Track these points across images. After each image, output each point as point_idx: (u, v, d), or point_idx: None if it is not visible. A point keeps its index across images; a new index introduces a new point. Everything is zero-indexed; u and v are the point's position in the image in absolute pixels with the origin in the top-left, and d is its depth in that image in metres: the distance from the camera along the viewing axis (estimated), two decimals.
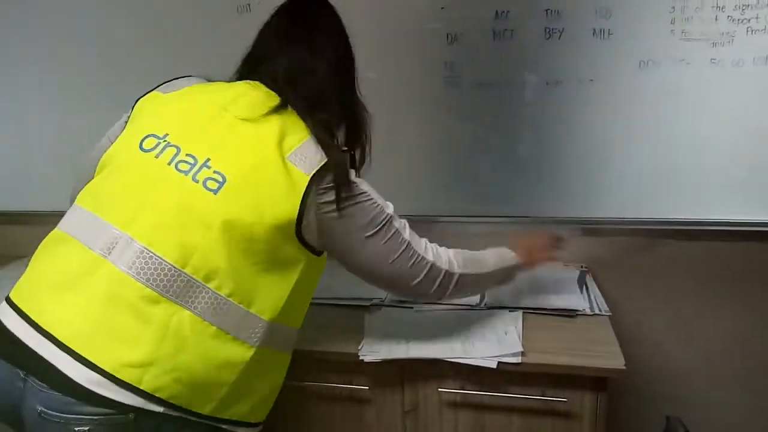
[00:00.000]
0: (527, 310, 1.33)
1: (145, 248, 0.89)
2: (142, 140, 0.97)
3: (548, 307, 1.33)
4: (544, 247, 1.31)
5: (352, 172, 1.02)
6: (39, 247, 0.97)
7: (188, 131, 0.97)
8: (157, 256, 0.89)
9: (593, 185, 1.58)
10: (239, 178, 0.93)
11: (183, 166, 0.93)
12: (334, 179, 0.97)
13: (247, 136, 0.96)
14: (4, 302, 0.92)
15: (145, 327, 0.87)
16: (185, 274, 0.89)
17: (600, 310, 1.33)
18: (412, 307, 1.38)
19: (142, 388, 0.85)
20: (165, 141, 0.96)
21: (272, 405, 1.09)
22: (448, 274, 1.08)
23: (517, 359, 1.12)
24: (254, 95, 1.01)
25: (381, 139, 1.68)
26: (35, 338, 0.85)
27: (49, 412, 0.84)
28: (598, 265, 1.60)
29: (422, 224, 1.69)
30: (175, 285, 0.88)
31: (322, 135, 0.99)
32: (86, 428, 0.84)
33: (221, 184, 0.91)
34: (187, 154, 0.94)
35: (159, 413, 0.87)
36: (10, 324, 0.88)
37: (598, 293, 1.43)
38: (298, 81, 1.03)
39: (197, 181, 0.92)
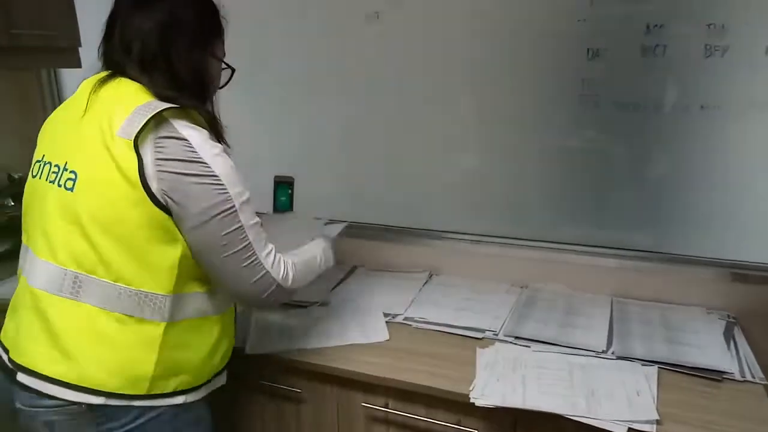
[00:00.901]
0: (663, 366, 1.18)
1: (39, 260, 1.01)
2: (32, 169, 1.07)
3: (688, 365, 1.18)
4: None
5: (206, 145, 0.97)
6: None
7: (54, 145, 1.05)
8: (48, 263, 0.99)
9: (748, 225, 1.39)
10: (84, 171, 0.97)
11: (52, 177, 1.01)
12: (170, 138, 0.95)
13: (85, 128, 0.99)
14: None
15: (55, 328, 0.97)
16: (71, 271, 0.97)
17: (753, 376, 1.15)
18: (529, 346, 1.27)
19: (68, 381, 0.96)
20: (43, 161, 1.05)
21: (224, 359, 1.13)
22: (279, 288, 1.06)
23: (651, 428, 0.99)
24: (90, 84, 1.02)
25: (500, 151, 1.61)
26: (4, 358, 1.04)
27: (23, 408, 1.00)
28: (748, 318, 1.39)
29: (535, 251, 1.61)
30: (65, 284, 0.97)
31: (156, 93, 0.99)
32: (52, 418, 0.98)
33: (74, 180, 0.98)
34: (54, 165, 1.02)
35: (100, 405, 0.96)
36: None
37: (749, 352, 1.24)
38: (131, 46, 1.01)
39: (60, 186, 0.99)
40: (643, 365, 1.18)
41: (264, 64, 1.75)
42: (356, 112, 1.70)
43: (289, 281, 1.06)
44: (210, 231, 0.97)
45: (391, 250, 1.75)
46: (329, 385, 1.26)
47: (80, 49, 1.85)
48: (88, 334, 0.97)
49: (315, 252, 1.21)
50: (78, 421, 0.98)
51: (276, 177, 1.79)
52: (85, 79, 1.06)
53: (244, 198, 1.00)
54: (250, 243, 1.00)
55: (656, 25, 1.32)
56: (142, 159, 0.93)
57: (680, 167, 1.41)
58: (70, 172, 0.98)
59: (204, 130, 1.00)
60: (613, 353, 1.24)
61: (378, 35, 1.61)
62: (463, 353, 1.26)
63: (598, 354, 1.23)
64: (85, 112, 1.00)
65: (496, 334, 1.33)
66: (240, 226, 0.99)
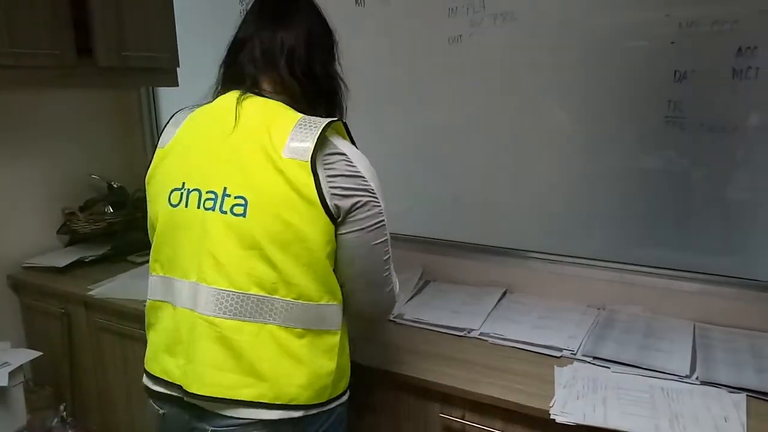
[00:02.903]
0: (752, 394, 1.15)
1: (212, 288, 0.99)
2: (169, 197, 1.04)
3: None
4: None
5: (362, 160, 1.03)
6: (146, 318, 1.12)
7: (197, 170, 1.03)
8: (225, 291, 0.98)
9: None
10: (255, 195, 0.97)
11: (208, 204, 1.00)
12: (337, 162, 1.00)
13: (239, 149, 1.00)
14: (144, 371, 1.10)
15: (243, 353, 0.98)
16: (253, 294, 0.98)
17: None
18: (608, 367, 1.27)
19: (266, 402, 0.98)
20: (185, 189, 1.02)
21: None
22: (395, 304, 1.15)
23: None
24: (229, 103, 1.03)
25: (579, 170, 1.62)
26: (172, 389, 1.04)
27: (216, 429, 1.00)
28: None
29: (613, 272, 1.59)
30: (247, 308, 0.98)
31: (299, 109, 1.03)
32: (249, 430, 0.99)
33: (245, 206, 0.97)
34: (207, 191, 1.00)
35: (299, 417, 1.00)
36: (153, 386, 1.08)
37: None
38: (275, 60, 1.05)
39: (225, 212, 0.98)
40: (730, 392, 1.16)
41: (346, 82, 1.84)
42: (433, 131, 1.76)
43: (400, 298, 1.15)
44: (367, 239, 1.02)
45: (464, 266, 1.77)
46: (406, 394, 1.30)
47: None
48: (276, 354, 0.99)
49: None
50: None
51: None
52: (178, 109, 1.11)
53: (386, 214, 1.05)
54: (389, 257, 1.07)
55: (749, 47, 1.31)
56: (318, 177, 0.96)
57: None
58: (236, 197, 0.98)
59: (350, 142, 1.06)
60: (696, 378, 1.21)
61: (460, 57, 1.66)
62: (541, 371, 1.27)
63: (680, 378, 1.21)
64: (233, 132, 1.01)
65: (574, 354, 1.33)
66: (387, 239, 1.06)
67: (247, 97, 1.03)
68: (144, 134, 2.40)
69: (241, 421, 0.98)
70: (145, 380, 1.09)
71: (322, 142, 0.98)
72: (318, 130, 0.98)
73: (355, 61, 1.80)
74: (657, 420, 1.07)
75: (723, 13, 1.32)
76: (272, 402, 0.98)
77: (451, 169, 1.75)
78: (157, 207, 1.07)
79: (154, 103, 2.38)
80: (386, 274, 1.08)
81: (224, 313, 0.98)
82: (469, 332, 1.46)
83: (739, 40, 1.31)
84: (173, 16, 1.94)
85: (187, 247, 1.02)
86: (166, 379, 1.04)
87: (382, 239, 1.04)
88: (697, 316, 1.49)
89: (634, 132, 1.49)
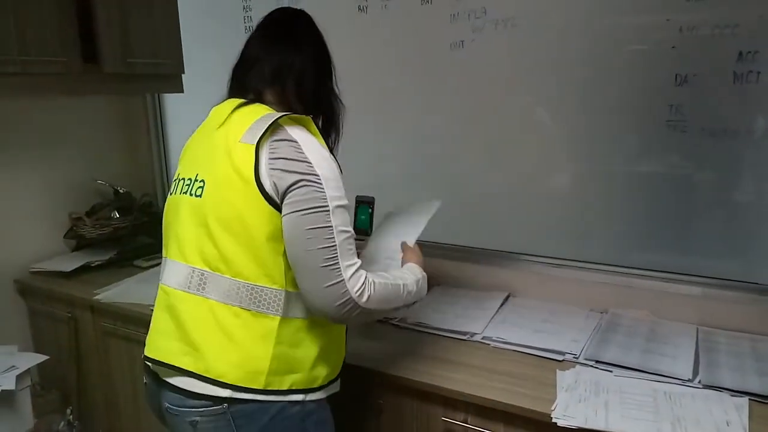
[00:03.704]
0: (754, 398, 1.15)
1: (172, 262, 1.12)
2: (170, 189, 1.20)
3: None
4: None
5: (314, 146, 1.05)
6: None
7: (188, 163, 1.17)
8: (179, 263, 1.10)
9: None
10: (211, 177, 1.08)
11: (185, 189, 1.13)
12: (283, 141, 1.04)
13: (215, 140, 1.10)
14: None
15: (183, 322, 1.07)
16: (198, 269, 1.07)
17: None
18: (611, 371, 1.27)
19: (196, 372, 1.04)
20: (178, 179, 1.17)
21: (336, 368, 1.17)
22: (353, 303, 1.02)
23: None
24: (228, 108, 1.12)
25: (582, 174, 1.63)
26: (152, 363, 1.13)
27: (171, 407, 1.08)
28: None
29: (616, 276, 1.60)
30: (193, 281, 1.07)
31: (280, 108, 1.11)
32: (195, 418, 1.05)
33: (203, 188, 1.09)
34: (187, 179, 1.13)
35: (228, 398, 1.02)
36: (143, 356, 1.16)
37: None
38: (283, 79, 1.14)
39: (191, 194, 1.10)
40: (732, 396, 1.16)
41: (350, 88, 1.85)
42: (438, 135, 1.77)
43: (364, 298, 1.03)
44: (300, 223, 1.01)
45: (468, 270, 1.78)
46: (409, 397, 1.31)
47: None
48: (212, 328, 1.05)
49: (406, 279, 1.16)
50: (218, 423, 1.04)
51: (357, 197, 1.88)
52: (214, 105, 1.17)
53: (340, 203, 1.03)
54: (335, 246, 1.01)
55: (749, 52, 1.31)
56: (258, 160, 1.03)
57: None
58: (200, 181, 1.09)
59: (317, 136, 1.09)
60: (699, 382, 1.21)
61: (462, 62, 1.67)
62: (543, 374, 1.28)
63: (683, 382, 1.21)
64: (217, 130, 1.10)
65: (577, 357, 1.33)
66: (329, 227, 1.01)
67: (246, 105, 1.12)
68: (150, 140, 2.42)
69: (191, 401, 1.04)
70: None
71: (274, 130, 1.05)
72: (271, 120, 1.04)
73: (357, 66, 1.84)
74: (659, 423, 1.07)
75: (723, 17, 1.33)
76: (203, 374, 1.04)
77: (454, 173, 1.76)
78: None
79: (160, 109, 2.40)
80: (327, 265, 1.00)
81: (176, 284, 1.10)
82: (471, 336, 1.46)
83: (740, 44, 1.32)
84: (178, 22, 1.96)
85: (170, 228, 1.16)
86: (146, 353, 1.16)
87: (321, 226, 1.00)
88: (699, 319, 1.49)
89: (636, 136, 1.49)
